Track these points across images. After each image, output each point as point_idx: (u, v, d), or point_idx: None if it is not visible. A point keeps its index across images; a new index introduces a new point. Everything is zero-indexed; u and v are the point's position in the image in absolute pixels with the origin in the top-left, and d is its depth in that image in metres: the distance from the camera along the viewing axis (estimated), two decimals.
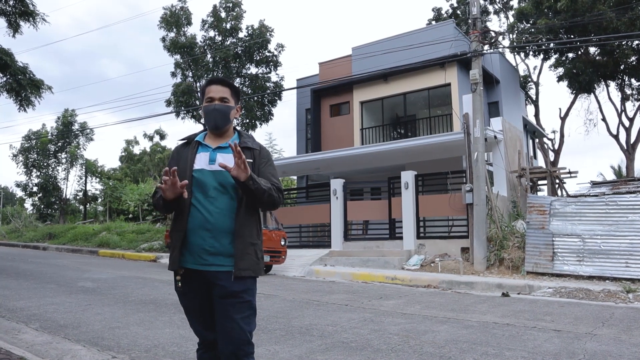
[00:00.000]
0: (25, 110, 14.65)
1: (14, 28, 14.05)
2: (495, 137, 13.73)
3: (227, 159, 2.40)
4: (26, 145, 32.40)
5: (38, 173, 32.49)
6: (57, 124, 32.92)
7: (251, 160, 2.46)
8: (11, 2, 13.76)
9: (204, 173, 2.40)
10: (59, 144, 32.55)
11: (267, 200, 2.38)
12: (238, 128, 2.64)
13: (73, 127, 32.89)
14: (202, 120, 23.50)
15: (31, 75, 14.33)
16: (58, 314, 5.92)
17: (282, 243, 12.00)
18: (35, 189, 32.80)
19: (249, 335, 2.35)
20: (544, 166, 22.31)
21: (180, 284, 2.41)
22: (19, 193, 34.93)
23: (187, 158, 2.46)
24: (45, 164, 32.44)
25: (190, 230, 2.35)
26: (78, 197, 34.81)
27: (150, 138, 48.26)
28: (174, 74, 23.20)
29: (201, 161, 2.43)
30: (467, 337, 5.09)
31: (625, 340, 5.04)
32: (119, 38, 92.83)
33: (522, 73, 27.47)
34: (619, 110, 24.80)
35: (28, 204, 35.67)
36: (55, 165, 32.83)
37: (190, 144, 2.53)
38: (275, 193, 2.42)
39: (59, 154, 32.72)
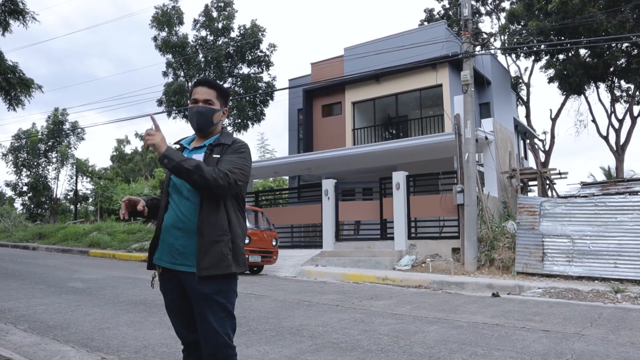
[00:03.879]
0: (14, 109, 14.58)
1: (4, 26, 13.96)
2: (486, 138, 13.80)
3: (199, 159, 2.36)
4: (16, 144, 32.14)
5: (28, 172, 32.24)
6: (48, 123, 32.70)
7: (218, 156, 2.37)
8: (0, 0, 13.65)
9: None
10: (50, 143, 32.32)
11: (198, 181, 2.21)
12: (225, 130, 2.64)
13: (64, 127, 32.67)
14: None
15: (21, 74, 14.23)
16: (47, 315, 5.88)
17: (274, 243, 12.00)
18: (25, 188, 32.55)
19: (226, 338, 2.30)
20: (535, 167, 22.44)
21: (153, 282, 2.47)
22: (9, 192, 34.70)
23: None
24: (35, 164, 32.19)
25: (165, 230, 2.37)
26: (69, 197, 34.57)
27: (142, 138, 47.96)
28: (165, 74, 23.14)
29: None
30: (456, 337, 5.11)
31: (612, 340, 5.09)
32: (107, 37, 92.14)
33: (513, 74, 27.63)
34: (609, 111, 25.05)
35: (18, 204, 35.41)
36: (46, 164, 32.60)
37: (179, 148, 2.56)
38: (211, 173, 2.22)
39: (50, 154, 32.48)
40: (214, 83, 2.55)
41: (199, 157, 2.41)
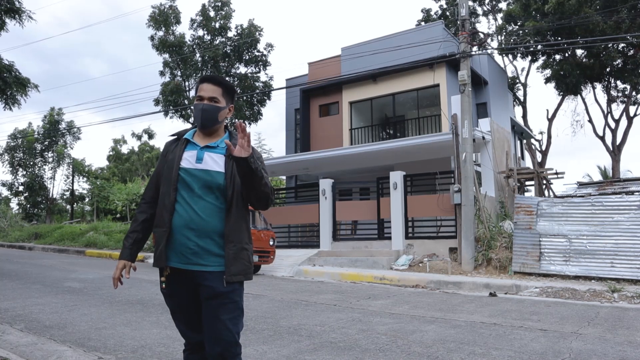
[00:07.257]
0: (10, 109, 14.51)
1: (0, 25, 13.87)
2: (483, 138, 13.82)
3: (215, 159, 2.39)
4: (12, 144, 32.03)
5: (24, 172, 32.14)
6: (44, 122, 32.59)
7: None
8: None
9: (190, 172, 2.36)
10: (46, 142, 32.22)
11: (262, 190, 2.34)
12: (230, 128, 2.62)
13: (60, 126, 32.56)
14: (192, 119, 23.46)
15: (17, 74, 14.17)
16: (43, 315, 5.86)
17: (271, 243, 11.97)
18: (21, 188, 32.43)
19: (236, 336, 2.33)
20: (532, 167, 22.49)
21: (164, 285, 2.37)
22: (5, 192, 34.56)
23: (175, 155, 2.43)
24: (31, 163, 32.09)
25: (175, 229, 2.32)
26: (65, 197, 34.49)
27: (139, 137, 47.90)
28: (162, 73, 23.06)
29: (188, 159, 2.39)
30: (454, 336, 5.11)
31: (609, 339, 5.09)
32: (101, 37, 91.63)
33: (510, 74, 27.67)
34: (605, 111, 25.11)
35: (14, 204, 35.24)
36: (42, 164, 32.49)
37: (180, 140, 2.50)
38: (269, 184, 2.40)
39: (46, 153, 32.37)
40: (219, 79, 2.51)
41: (215, 157, 2.39)
